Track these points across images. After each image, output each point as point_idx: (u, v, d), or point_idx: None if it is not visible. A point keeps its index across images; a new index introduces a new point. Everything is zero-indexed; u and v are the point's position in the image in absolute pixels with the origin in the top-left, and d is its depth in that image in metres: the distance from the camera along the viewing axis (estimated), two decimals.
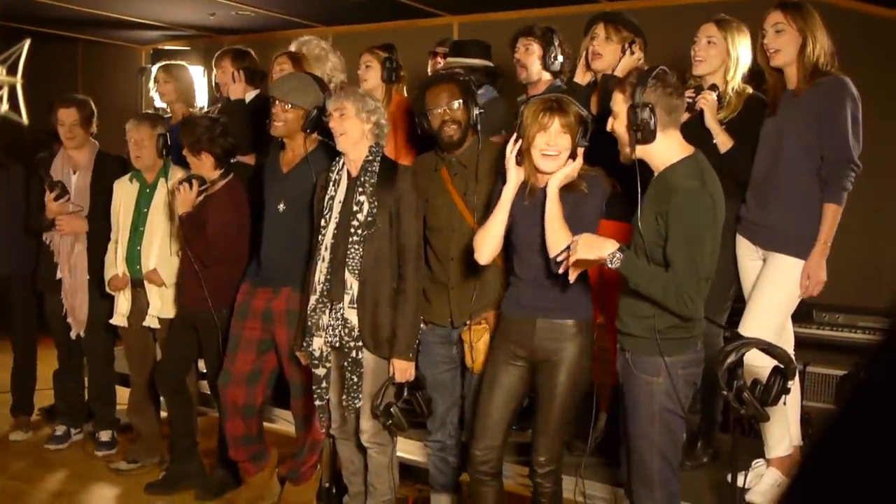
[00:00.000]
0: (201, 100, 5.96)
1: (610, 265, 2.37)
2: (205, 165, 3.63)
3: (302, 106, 3.30)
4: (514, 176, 2.71)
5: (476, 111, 3.01)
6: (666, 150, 2.46)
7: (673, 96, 2.45)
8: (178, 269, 3.85)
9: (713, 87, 3.14)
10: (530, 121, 2.63)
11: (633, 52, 3.23)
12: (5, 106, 1.22)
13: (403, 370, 3.03)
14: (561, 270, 2.46)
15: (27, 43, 1.29)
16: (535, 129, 2.62)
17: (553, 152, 2.63)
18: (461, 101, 3.00)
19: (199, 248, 3.58)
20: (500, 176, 2.80)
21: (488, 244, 2.77)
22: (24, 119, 1.27)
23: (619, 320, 2.58)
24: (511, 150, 2.69)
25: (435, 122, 3.02)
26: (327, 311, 3.05)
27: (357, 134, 3.04)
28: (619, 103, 2.47)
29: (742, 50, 3.16)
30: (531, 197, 2.71)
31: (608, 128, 2.53)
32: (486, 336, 3.01)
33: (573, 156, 2.65)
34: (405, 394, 3.02)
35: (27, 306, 4.59)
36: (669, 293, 2.36)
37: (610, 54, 3.27)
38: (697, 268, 2.38)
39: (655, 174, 2.50)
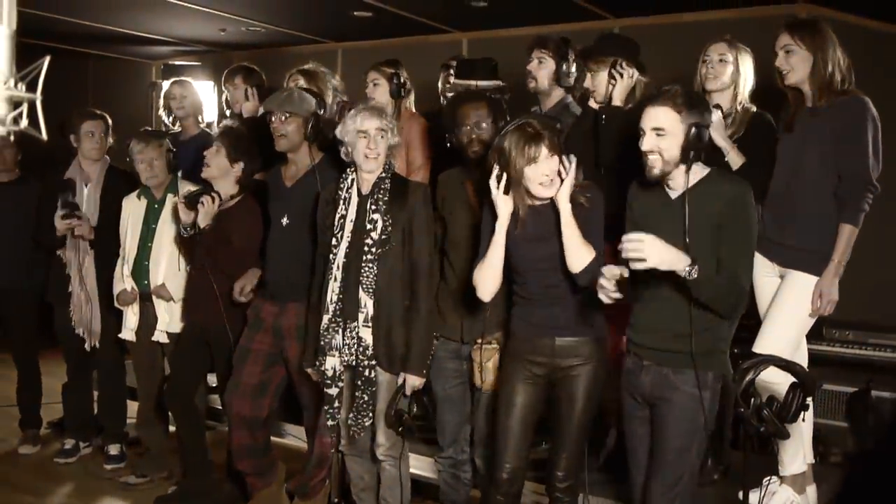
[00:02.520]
0: (210, 115, 6.00)
1: (688, 277, 2.30)
2: (230, 177, 3.62)
3: (299, 113, 3.33)
4: (505, 209, 2.70)
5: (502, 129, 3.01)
6: (697, 169, 2.48)
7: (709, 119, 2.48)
8: (188, 285, 3.85)
9: (716, 107, 3.15)
10: (516, 154, 2.60)
11: (620, 74, 3.26)
12: (25, 122, 1.24)
13: (414, 386, 3.04)
14: (635, 266, 2.30)
15: (47, 59, 1.31)
16: (524, 161, 2.60)
17: (548, 181, 2.63)
18: (490, 120, 3.03)
19: (225, 259, 3.55)
20: (485, 207, 2.79)
21: (490, 281, 2.76)
22: (44, 135, 1.28)
23: (652, 336, 2.54)
24: (497, 185, 2.68)
25: (463, 139, 3.05)
26: (341, 331, 3.05)
27: (385, 156, 3.07)
28: (672, 121, 2.41)
29: (748, 70, 3.19)
30: (522, 226, 2.70)
31: (646, 147, 2.44)
32: (495, 356, 3.01)
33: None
34: (413, 402, 3.05)
35: (27, 319, 4.61)
36: (729, 298, 2.40)
37: (600, 84, 3.35)
38: (751, 267, 2.47)
39: (675, 192, 2.49)
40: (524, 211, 2.69)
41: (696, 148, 2.39)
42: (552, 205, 2.67)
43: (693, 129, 2.38)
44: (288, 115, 3.32)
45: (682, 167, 2.42)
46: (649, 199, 2.58)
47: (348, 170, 3.13)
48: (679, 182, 2.46)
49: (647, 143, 2.43)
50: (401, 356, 3.04)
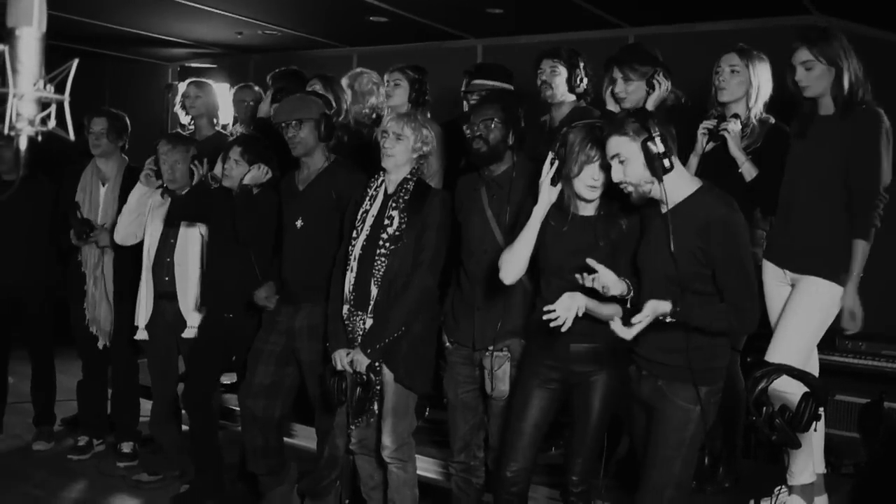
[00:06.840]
0: (227, 117, 6.03)
1: (670, 319, 2.40)
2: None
3: (309, 117, 3.39)
4: (547, 196, 2.70)
5: (514, 133, 3.01)
6: (680, 179, 2.48)
7: (668, 126, 2.48)
8: (208, 274, 3.85)
9: (735, 116, 3.15)
10: (578, 149, 2.63)
11: (659, 84, 3.29)
12: (53, 122, 1.26)
13: (357, 361, 3.06)
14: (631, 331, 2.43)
15: (75, 62, 1.33)
16: (583, 159, 2.62)
17: (598, 184, 2.65)
18: (499, 120, 3.00)
19: (247, 225, 3.55)
20: (532, 196, 2.79)
21: (514, 264, 2.75)
22: (71, 135, 1.30)
23: (646, 348, 2.57)
24: (547, 171, 2.69)
25: (469, 134, 3.05)
26: (357, 321, 3.13)
27: (403, 159, 3.15)
28: (625, 145, 2.45)
29: (763, 78, 3.18)
30: (561, 227, 2.71)
31: (615, 178, 2.49)
32: (506, 364, 3.01)
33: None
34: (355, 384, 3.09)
35: (42, 317, 4.65)
36: (734, 321, 2.43)
37: (634, 92, 3.34)
38: (753, 284, 2.47)
39: (666, 207, 2.48)
40: (566, 206, 2.71)
41: (656, 158, 2.41)
42: (596, 221, 2.69)
43: (645, 144, 2.41)
44: (298, 121, 3.38)
45: (658, 183, 2.44)
46: (653, 209, 2.58)
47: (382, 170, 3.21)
48: (666, 196, 2.47)
49: (614, 174, 2.48)
50: (402, 357, 3.08)
